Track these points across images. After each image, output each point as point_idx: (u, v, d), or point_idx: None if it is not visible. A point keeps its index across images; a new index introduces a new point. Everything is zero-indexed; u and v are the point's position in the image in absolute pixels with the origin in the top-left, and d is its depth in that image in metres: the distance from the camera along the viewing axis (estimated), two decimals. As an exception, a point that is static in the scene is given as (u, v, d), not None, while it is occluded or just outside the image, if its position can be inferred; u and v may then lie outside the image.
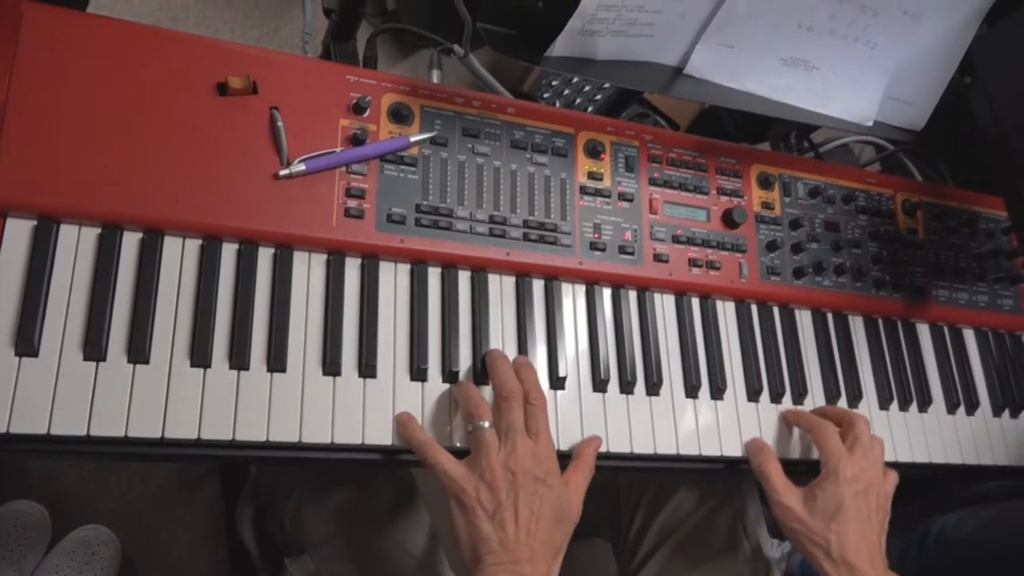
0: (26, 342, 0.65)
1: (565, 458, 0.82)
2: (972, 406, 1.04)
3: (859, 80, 0.97)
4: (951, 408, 1.03)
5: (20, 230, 0.69)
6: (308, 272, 0.77)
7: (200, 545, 1.34)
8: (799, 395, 0.93)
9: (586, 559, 1.50)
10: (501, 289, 0.84)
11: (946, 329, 1.07)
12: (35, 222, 0.69)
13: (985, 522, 1.09)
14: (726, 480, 0.98)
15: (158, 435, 0.67)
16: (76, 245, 0.70)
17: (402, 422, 0.74)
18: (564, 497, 0.73)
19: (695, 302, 0.93)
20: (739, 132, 1.34)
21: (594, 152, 0.90)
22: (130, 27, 0.75)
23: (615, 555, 1.08)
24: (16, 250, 0.68)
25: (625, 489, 1.04)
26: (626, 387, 0.86)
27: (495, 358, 0.78)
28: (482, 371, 0.80)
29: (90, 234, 0.71)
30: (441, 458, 0.72)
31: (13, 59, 0.70)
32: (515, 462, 0.70)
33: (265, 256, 0.76)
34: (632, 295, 0.90)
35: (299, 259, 0.77)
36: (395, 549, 0.88)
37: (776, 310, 0.97)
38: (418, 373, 0.77)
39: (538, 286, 0.86)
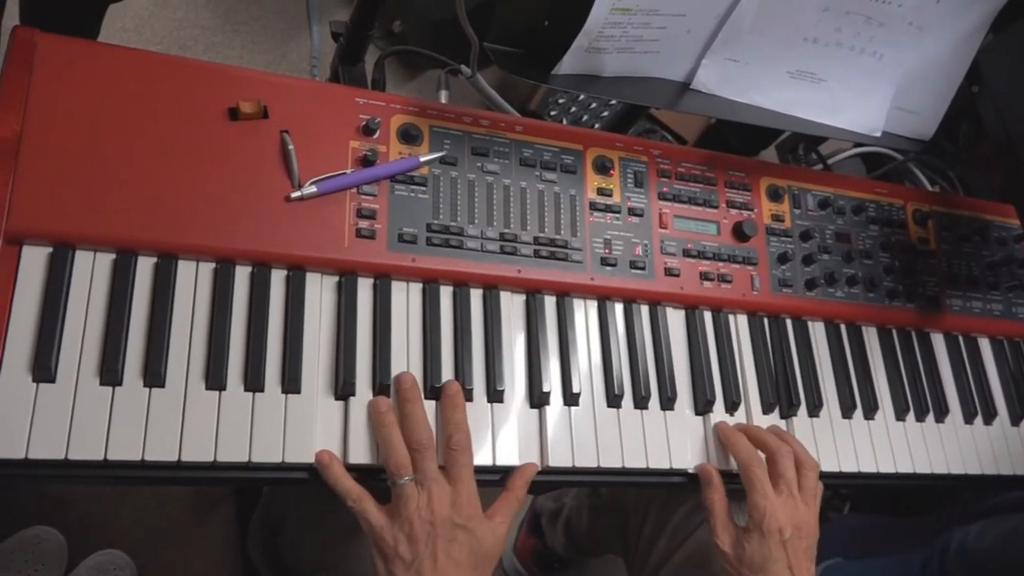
0: (43, 368, 0.66)
1: (575, 473, 0.82)
2: (990, 416, 1.03)
3: (866, 91, 0.97)
4: (968, 418, 1.02)
5: (36, 257, 0.69)
6: (320, 293, 0.78)
7: (216, 569, 1.34)
8: (814, 407, 0.93)
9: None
10: (513, 306, 0.85)
11: (961, 338, 1.07)
12: (51, 249, 0.70)
13: (1006, 533, 1.07)
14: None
15: (175, 458, 0.67)
16: (91, 271, 0.71)
17: (323, 465, 0.72)
18: (485, 537, 0.73)
19: (707, 316, 0.93)
20: (741, 144, 1.34)
21: (603, 168, 0.90)
22: (141, 55, 0.76)
23: (627, 569, 1.07)
24: (33, 277, 0.69)
25: (633, 501, 1.03)
26: (640, 402, 0.85)
27: (404, 400, 0.75)
28: (494, 389, 0.80)
29: (105, 260, 0.71)
30: (367, 506, 0.72)
31: (28, 89, 0.71)
32: (432, 512, 0.71)
33: (278, 278, 0.76)
34: (644, 310, 0.90)
35: (312, 280, 0.77)
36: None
37: (789, 322, 0.96)
38: (431, 392, 0.77)
39: (550, 302, 0.86)
